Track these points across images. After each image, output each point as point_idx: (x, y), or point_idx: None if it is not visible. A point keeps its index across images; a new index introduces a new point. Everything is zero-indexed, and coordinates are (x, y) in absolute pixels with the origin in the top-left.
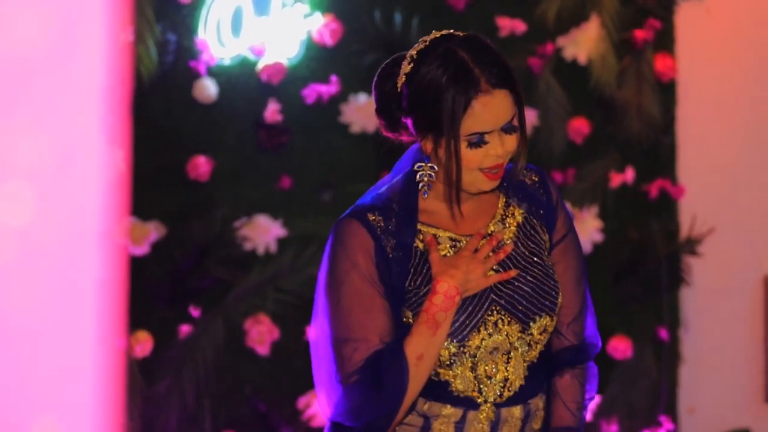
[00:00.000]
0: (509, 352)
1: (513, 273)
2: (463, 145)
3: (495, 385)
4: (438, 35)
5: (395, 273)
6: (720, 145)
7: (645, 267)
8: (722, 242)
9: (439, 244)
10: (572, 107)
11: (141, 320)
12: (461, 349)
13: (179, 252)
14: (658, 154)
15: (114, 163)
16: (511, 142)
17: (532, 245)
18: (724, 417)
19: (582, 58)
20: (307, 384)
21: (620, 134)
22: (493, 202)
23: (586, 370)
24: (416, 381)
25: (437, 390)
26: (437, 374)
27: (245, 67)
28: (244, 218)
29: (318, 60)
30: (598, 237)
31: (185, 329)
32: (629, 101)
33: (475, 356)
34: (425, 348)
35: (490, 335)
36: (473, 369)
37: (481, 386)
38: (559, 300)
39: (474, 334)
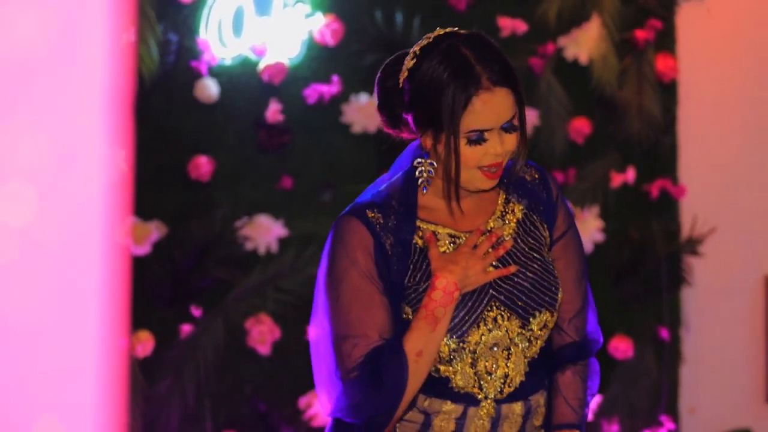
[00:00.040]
0: (509, 348)
1: (512, 269)
2: (463, 142)
3: (495, 381)
4: (442, 32)
5: (394, 269)
6: (721, 145)
7: (646, 267)
8: (723, 242)
9: (438, 240)
10: (573, 107)
11: (142, 320)
12: (461, 344)
13: (180, 252)
14: (658, 154)
15: (115, 163)
16: (511, 141)
17: (531, 241)
18: (725, 417)
19: (583, 58)
20: (307, 384)
21: (621, 134)
22: (493, 199)
23: (588, 367)
24: (416, 377)
25: (438, 386)
26: (437, 370)
27: (246, 67)
28: (245, 218)
29: (319, 60)
30: (599, 237)
31: (186, 329)
32: (630, 101)
33: (475, 352)
34: (424, 344)
35: (489, 331)
36: (473, 365)
37: (482, 382)
38: (559, 296)
39: (473, 329)
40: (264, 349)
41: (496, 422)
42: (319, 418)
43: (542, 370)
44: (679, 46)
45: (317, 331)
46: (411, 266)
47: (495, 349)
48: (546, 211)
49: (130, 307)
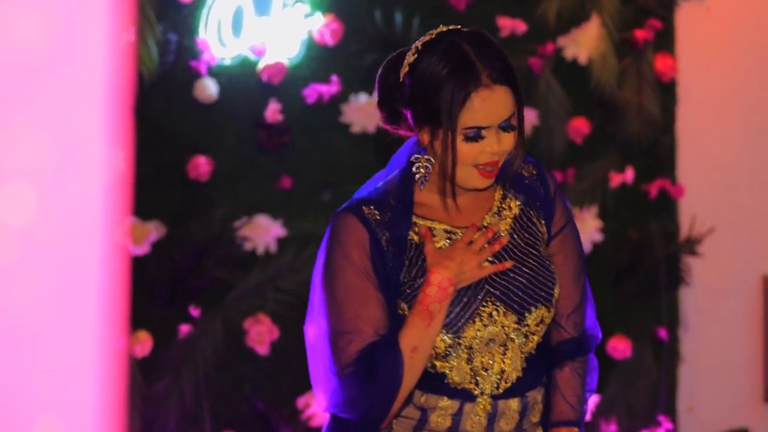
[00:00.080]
0: (505, 344)
1: (508, 264)
2: (460, 138)
3: (492, 376)
4: (444, 29)
5: (390, 265)
6: (720, 145)
7: (644, 267)
8: (721, 242)
9: (434, 236)
10: (572, 107)
11: (141, 320)
12: (456, 340)
13: (179, 252)
14: (657, 154)
15: (115, 163)
16: (508, 141)
17: (528, 237)
18: (723, 416)
19: (582, 58)
20: (306, 384)
21: (620, 134)
22: (490, 195)
23: (587, 363)
24: (411, 372)
25: (434, 382)
26: (433, 366)
27: (246, 67)
28: (244, 218)
29: (318, 60)
30: (598, 237)
31: (185, 329)
32: (629, 101)
33: (471, 348)
34: (419, 339)
35: (485, 326)
36: (469, 361)
37: (478, 378)
38: (556, 291)
39: (469, 325)
40: (263, 349)
41: (492, 418)
42: (318, 417)
43: (539, 366)
44: (678, 46)
45: (313, 327)
46: (407, 262)
47: (491, 344)
48: (543, 207)
49: (129, 307)
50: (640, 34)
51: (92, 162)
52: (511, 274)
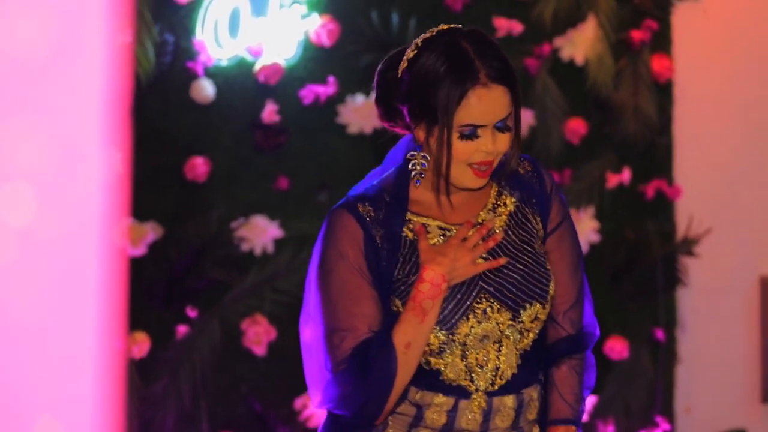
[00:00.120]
0: (500, 341)
1: (502, 261)
2: (455, 136)
3: (486, 373)
4: (445, 27)
5: (384, 262)
6: (717, 146)
7: (641, 267)
8: (718, 243)
9: (428, 233)
10: (569, 108)
11: (138, 321)
12: (450, 337)
13: (176, 253)
14: (654, 154)
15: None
16: (504, 141)
17: (522, 233)
18: (721, 417)
19: (579, 59)
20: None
21: (617, 135)
22: (485, 192)
23: (584, 360)
24: (405, 369)
25: (429, 379)
26: (428, 363)
27: (242, 68)
28: (241, 219)
29: (315, 61)
30: (595, 237)
31: (182, 330)
32: (626, 102)
33: (465, 344)
34: (413, 336)
35: (479, 323)
36: (463, 357)
37: (473, 375)
38: (551, 288)
39: (462, 321)
40: (260, 349)
41: (488, 415)
42: (315, 418)
43: (535, 364)
44: (674, 46)
45: (307, 324)
46: (401, 259)
47: (485, 341)
48: (539, 204)
49: (127, 308)
50: (637, 34)
51: (91, 162)
52: (506, 271)
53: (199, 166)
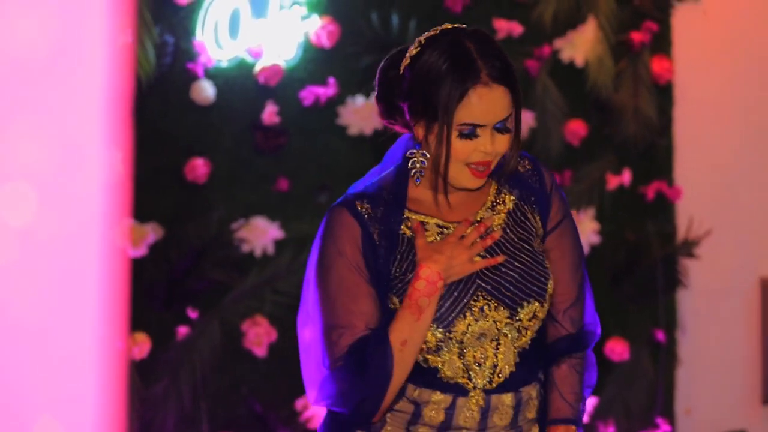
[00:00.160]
0: (498, 339)
1: (500, 259)
2: (454, 134)
3: (484, 371)
4: (449, 26)
5: (382, 259)
6: (717, 147)
7: (642, 269)
8: (719, 244)
9: (426, 231)
10: (569, 109)
11: (138, 322)
12: (447, 334)
13: (176, 254)
14: (654, 156)
15: (114, 164)
16: (503, 143)
17: (521, 232)
18: (721, 418)
19: (579, 60)
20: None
21: (617, 136)
22: (484, 190)
23: (585, 359)
24: (401, 366)
25: (427, 376)
26: (426, 360)
27: (243, 69)
28: (241, 220)
29: (315, 62)
30: (595, 239)
31: (183, 331)
32: (626, 103)
33: (462, 342)
34: (409, 333)
35: (476, 321)
36: (461, 355)
37: (470, 373)
38: (549, 286)
39: (459, 319)
40: (260, 350)
41: (485, 413)
42: (316, 419)
43: (534, 362)
44: (674, 48)
45: (305, 320)
46: (398, 256)
47: (482, 339)
48: (538, 202)
49: (128, 309)
50: (637, 36)
51: (91, 163)
52: (503, 269)
53: (199, 167)
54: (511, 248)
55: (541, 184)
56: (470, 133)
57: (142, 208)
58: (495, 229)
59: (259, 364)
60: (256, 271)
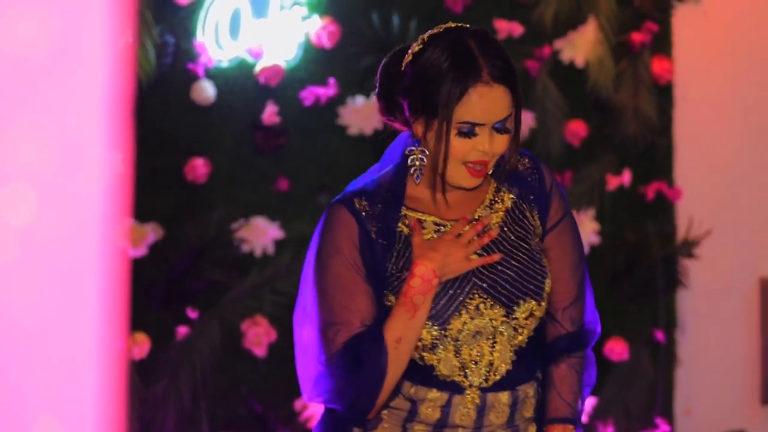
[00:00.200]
0: (494, 337)
1: (496, 257)
2: (453, 132)
3: (480, 369)
4: (453, 25)
5: (379, 257)
6: (717, 148)
7: (641, 269)
8: (718, 244)
9: (424, 228)
10: (569, 109)
11: (138, 322)
12: (443, 332)
13: (176, 254)
14: (654, 156)
15: (114, 164)
16: (501, 143)
17: (519, 230)
18: (721, 419)
19: (579, 61)
20: None
21: (617, 136)
22: (482, 189)
23: (584, 358)
24: (396, 363)
25: (423, 374)
26: (422, 358)
27: (243, 69)
28: (241, 220)
29: (316, 62)
30: (595, 239)
31: (182, 331)
32: (626, 104)
33: (458, 340)
34: (404, 331)
35: (472, 319)
36: (457, 353)
37: (466, 370)
38: (546, 284)
39: (455, 317)
40: (260, 350)
41: (481, 411)
42: (315, 419)
43: (531, 361)
44: (675, 48)
45: (301, 316)
46: (395, 253)
47: (478, 337)
48: (538, 200)
49: (128, 309)
50: (637, 36)
51: (92, 163)
52: (499, 267)
53: (199, 167)
54: (509, 247)
55: (540, 183)
56: (469, 131)
57: (142, 208)
58: (492, 227)
59: (259, 364)
60: (256, 271)
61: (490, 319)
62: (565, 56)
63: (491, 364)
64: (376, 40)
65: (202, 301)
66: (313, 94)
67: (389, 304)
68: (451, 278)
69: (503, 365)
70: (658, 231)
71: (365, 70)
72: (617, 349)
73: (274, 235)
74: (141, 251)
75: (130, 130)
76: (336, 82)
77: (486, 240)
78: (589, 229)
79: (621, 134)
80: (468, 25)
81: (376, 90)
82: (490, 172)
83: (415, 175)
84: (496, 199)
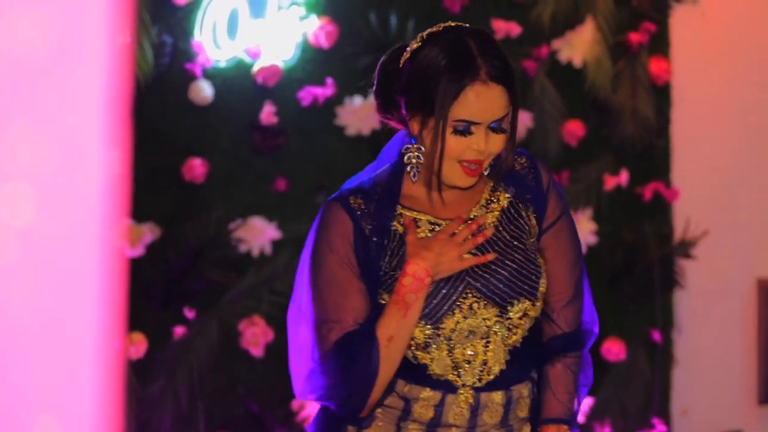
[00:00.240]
0: (487, 336)
1: (490, 257)
2: (449, 130)
3: (473, 368)
4: (453, 24)
5: (373, 255)
6: (714, 148)
7: (639, 269)
8: (715, 245)
9: (418, 227)
10: (567, 110)
11: (135, 322)
12: (436, 331)
13: (174, 254)
14: (652, 156)
15: (112, 164)
16: (497, 143)
17: (514, 230)
18: (717, 419)
19: (577, 61)
20: None
21: (615, 137)
22: (478, 188)
23: (581, 359)
24: (388, 362)
25: (416, 373)
26: (415, 357)
27: (241, 69)
28: (239, 220)
29: (313, 62)
30: (592, 239)
31: (179, 331)
32: (624, 104)
33: (451, 339)
34: (396, 329)
35: (465, 318)
36: (450, 352)
37: (460, 370)
38: (541, 284)
39: (448, 316)
40: (257, 350)
41: (475, 410)
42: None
43: (525, 360)
44: (672, 49)
45: (296, 313)
46: (389, 252)
47: (471, 336)
48: (534, 199)
49: (126, 308)
50: (635, 37)
51: (90, 163)
52: (493, 267)
53: (197, 167)
54: (504, 246)
55: (537, 182)
56: (465, 130)
57: (140, 208)
58: (487, 226)
59: (256, 364)
60: (254, 271)
61: (484, 319)
62: (563, 56)
63: (485, 363)
64: (373, 40)
65: (200, 301)
66: (310, 94)
67: (383, 302)
68: (445, 277)
69: (497, 365)
70: (655, 231)
71: (363, 71)
72: (614, 349)
73: (271, 235)
74: (139, 251)
75: (128, 130)
76: (334, 82)
77: (480, 239)
78: (586, 229)
79: (618, 134)
80: (467, 25)
81: (374, 87)
82: (486, 173)
83: (412, 173)
84: (493, 198)
